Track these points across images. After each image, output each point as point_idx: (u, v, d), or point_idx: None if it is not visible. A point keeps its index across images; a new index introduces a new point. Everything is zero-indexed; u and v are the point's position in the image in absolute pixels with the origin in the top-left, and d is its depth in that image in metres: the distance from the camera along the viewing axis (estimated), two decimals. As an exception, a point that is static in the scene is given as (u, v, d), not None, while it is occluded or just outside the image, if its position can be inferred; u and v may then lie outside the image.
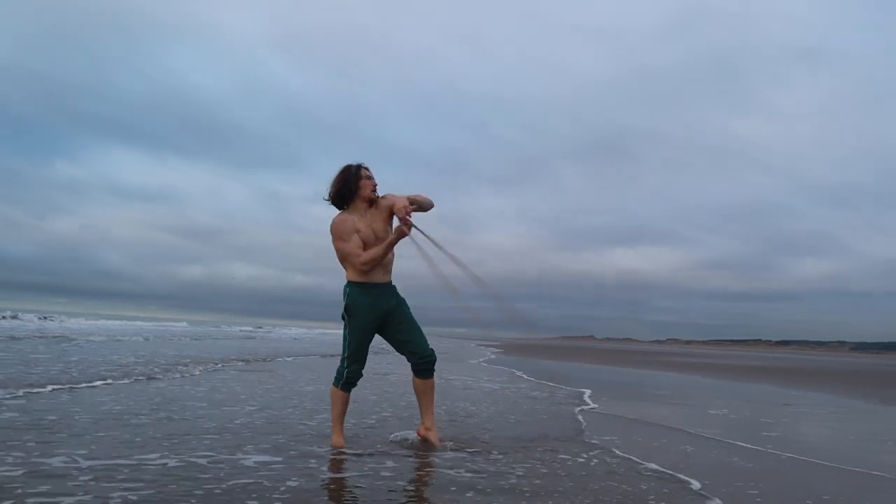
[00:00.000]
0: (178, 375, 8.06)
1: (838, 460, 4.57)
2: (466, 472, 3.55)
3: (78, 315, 41.75)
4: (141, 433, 4.11)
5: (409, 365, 4.12)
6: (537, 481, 3.43)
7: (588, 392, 8.67)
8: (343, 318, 4.04)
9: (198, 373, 8.62)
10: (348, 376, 4.05)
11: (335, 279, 4.15)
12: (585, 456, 4.20)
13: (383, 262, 4.01)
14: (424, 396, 4.15)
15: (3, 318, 24.44)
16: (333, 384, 4.11)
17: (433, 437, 4.15)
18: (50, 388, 5.93)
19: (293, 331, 44.96)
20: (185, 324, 42.74)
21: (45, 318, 28.69)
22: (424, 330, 4.17)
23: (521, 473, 3.60)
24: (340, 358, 4.09)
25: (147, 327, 30.11)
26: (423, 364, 4.10)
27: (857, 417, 8.02)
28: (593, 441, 4.78)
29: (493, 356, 21.64)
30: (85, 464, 3.22)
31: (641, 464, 4.00)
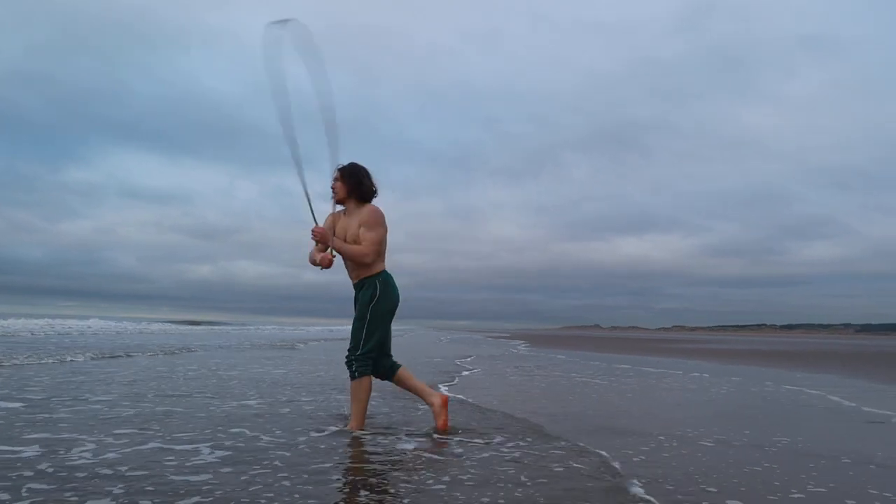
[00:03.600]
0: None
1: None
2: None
3: (127, 320, 40.99)
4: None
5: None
6: None
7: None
8: (373, 308, 4.09)
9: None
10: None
11: (345, 275, 4.28)
12: None
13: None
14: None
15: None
16: (367, 374, 4.11)
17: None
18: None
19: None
20: (272, 327, 42.15)
21: (77, 321, 28.99)
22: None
23: None
24: (365, 345, 4.10)
25: (239, 332, 30.06)
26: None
27: (860, 396, 8.19)
28: None
29: (525, 350, 21.63)
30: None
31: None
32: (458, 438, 4.04)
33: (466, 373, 9.87)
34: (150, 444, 3.54)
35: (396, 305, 4.25)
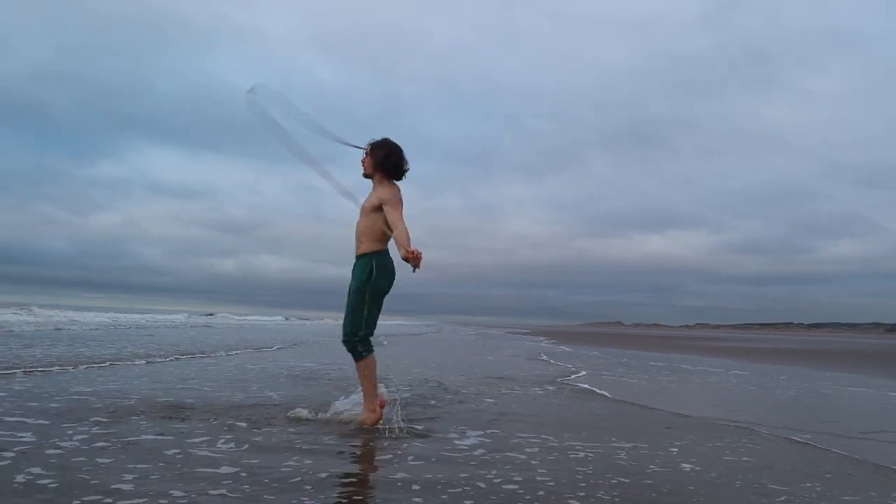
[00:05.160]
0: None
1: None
2: None
3: (172, 312, 41.17)
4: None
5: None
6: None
7: None
8: (368, 287, 3.94)
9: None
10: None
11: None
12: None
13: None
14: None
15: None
16: (372, 351, 3.98)
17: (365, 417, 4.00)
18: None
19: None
20: (331, 321, 42.27)
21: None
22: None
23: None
24: (367, 326, 3.97)
25: (288, 325, 30.75)
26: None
27: (890, 397, 7.95)
28: None
29: (554, 346, 21.47)
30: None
31: None
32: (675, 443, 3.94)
33: (584, 372, 9.55)
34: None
35: (391, 285, 4.08)
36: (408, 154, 4.01)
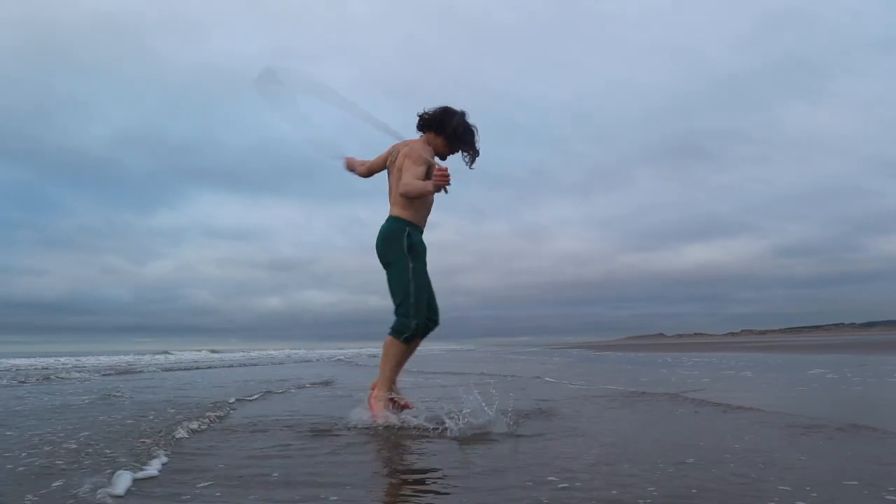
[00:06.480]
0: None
1: None
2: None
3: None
4: None
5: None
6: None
7: None
8: (401, 258, 3.50)
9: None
10: (416, 327, 3.51)
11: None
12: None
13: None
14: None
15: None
16: (394, 336, 3.52)
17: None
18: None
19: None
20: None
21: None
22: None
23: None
24: (401, 306, 3.50)
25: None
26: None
27: None
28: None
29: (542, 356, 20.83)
30: None
31: None
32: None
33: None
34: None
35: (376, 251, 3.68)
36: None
